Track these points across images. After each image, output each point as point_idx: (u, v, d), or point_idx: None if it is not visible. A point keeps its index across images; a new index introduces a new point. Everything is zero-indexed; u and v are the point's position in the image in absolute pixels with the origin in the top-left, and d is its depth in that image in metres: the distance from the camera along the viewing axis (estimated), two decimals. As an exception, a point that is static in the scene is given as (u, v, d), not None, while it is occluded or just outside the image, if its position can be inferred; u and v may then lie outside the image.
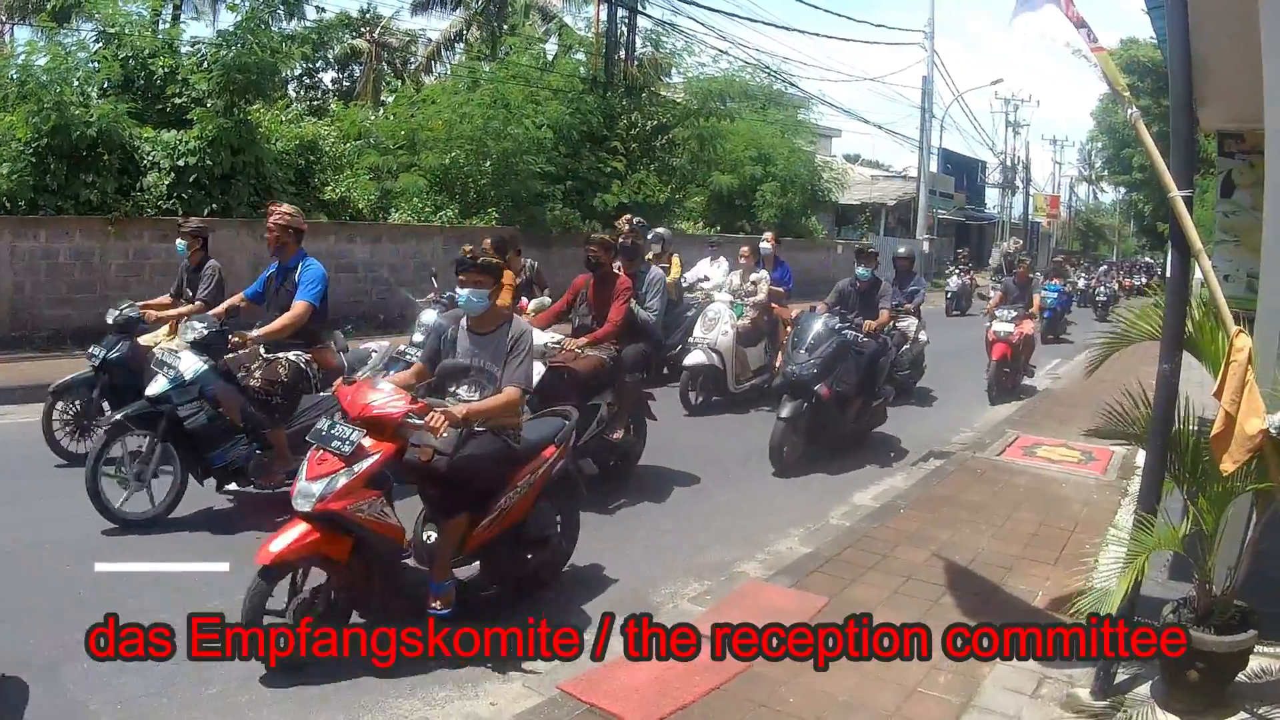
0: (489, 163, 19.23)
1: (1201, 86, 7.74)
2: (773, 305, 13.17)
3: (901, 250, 14.87)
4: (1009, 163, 62.44)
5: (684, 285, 14.26)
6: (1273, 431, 4.11)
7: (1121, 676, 4.80)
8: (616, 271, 8.80)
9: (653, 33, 24.81)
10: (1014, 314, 14.69)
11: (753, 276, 13.29)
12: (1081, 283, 35.03)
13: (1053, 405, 14.06)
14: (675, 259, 14.21)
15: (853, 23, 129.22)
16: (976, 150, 67.68)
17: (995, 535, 7.61)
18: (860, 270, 11.16)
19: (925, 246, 32.37)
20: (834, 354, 9.61)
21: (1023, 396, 14.81)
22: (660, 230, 14.86)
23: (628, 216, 12.66)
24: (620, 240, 9.34)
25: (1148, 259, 65.42)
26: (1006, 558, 7.06)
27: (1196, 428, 4.90)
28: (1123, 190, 62.00)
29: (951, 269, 30.84)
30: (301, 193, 16.99)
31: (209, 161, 15.01)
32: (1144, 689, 4.77)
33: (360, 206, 17.96)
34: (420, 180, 18.69)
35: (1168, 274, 4.69)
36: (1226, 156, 9.64)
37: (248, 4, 15.89)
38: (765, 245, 13.85)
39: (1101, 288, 32.41)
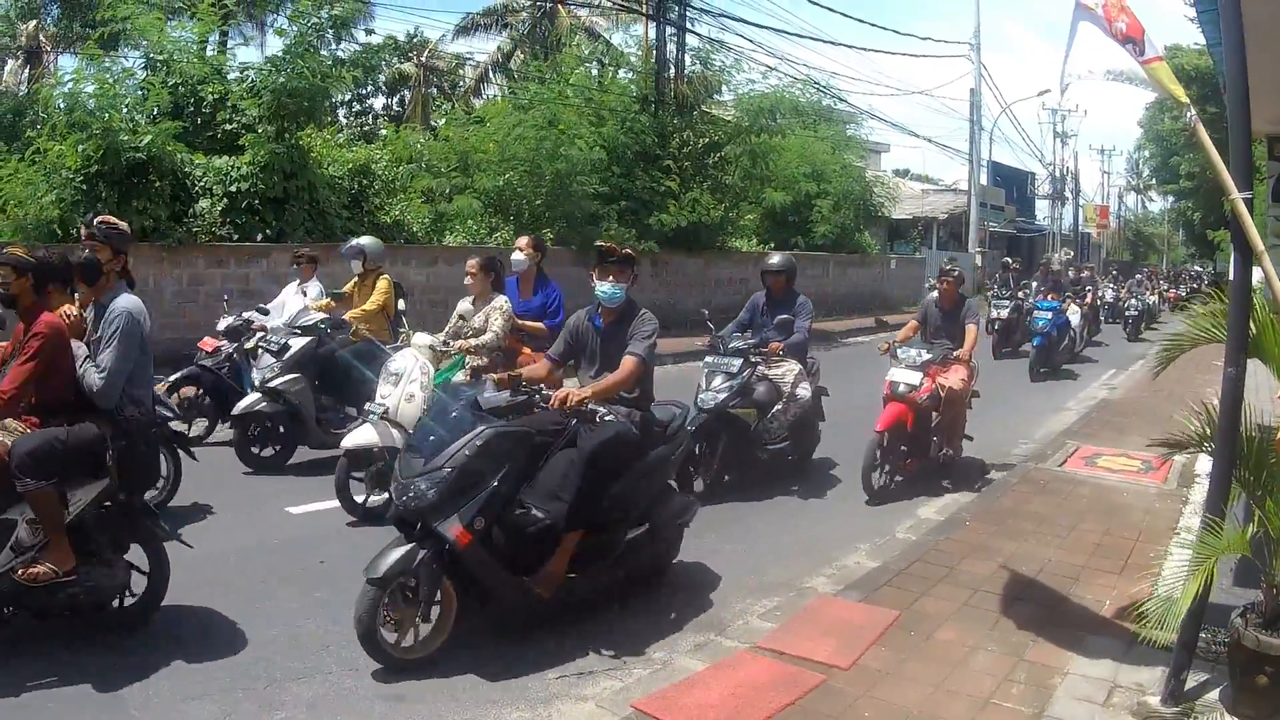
0: (543, 184, 19.33)
1: (1251, 90, 7.78)
2: (522, 349, 8.86)
3: (773, 261, 10.17)
4: (1058, 173, 61.91)
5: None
6: (1337, 432, 4.18)
7: (1192, 683, 4.84)
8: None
9: (702, 50, 24.82)
10: (926, 356, 9.66)
11: (488, 306, 8.72)
12: (1109, 295, 30.44)
13: (1111, 415, 14.01)
14: (382, 282, 10.66)
15: (899, 36, 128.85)
16: (1025, 162, 67.53)
17: (1060, 545, 7.65)
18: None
19: (978, 259, 32.07)
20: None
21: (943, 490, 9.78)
22: (361, 241, 11.12)
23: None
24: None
25: (1196, 267, 64.67)
26: (1072, 568, 7.10)
27: (1259, 433, 4.96)
28: (1171, 199, 61.38)
29: (996, 288, 24.27)
30: (355, 217, 17.13)
31: (261, 186, 15.15)
32: (1214, 695, 4.81)
33: (415, 230, 18.10)
34: (474, 202, 18.86)
35: (1230, 277, 4.74)
36: (1277, 160, 9.63)
37: (296, 29, 16.03)
38: (518, 256, 9.29)
39: (1134, 300, 28.59)
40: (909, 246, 41.52)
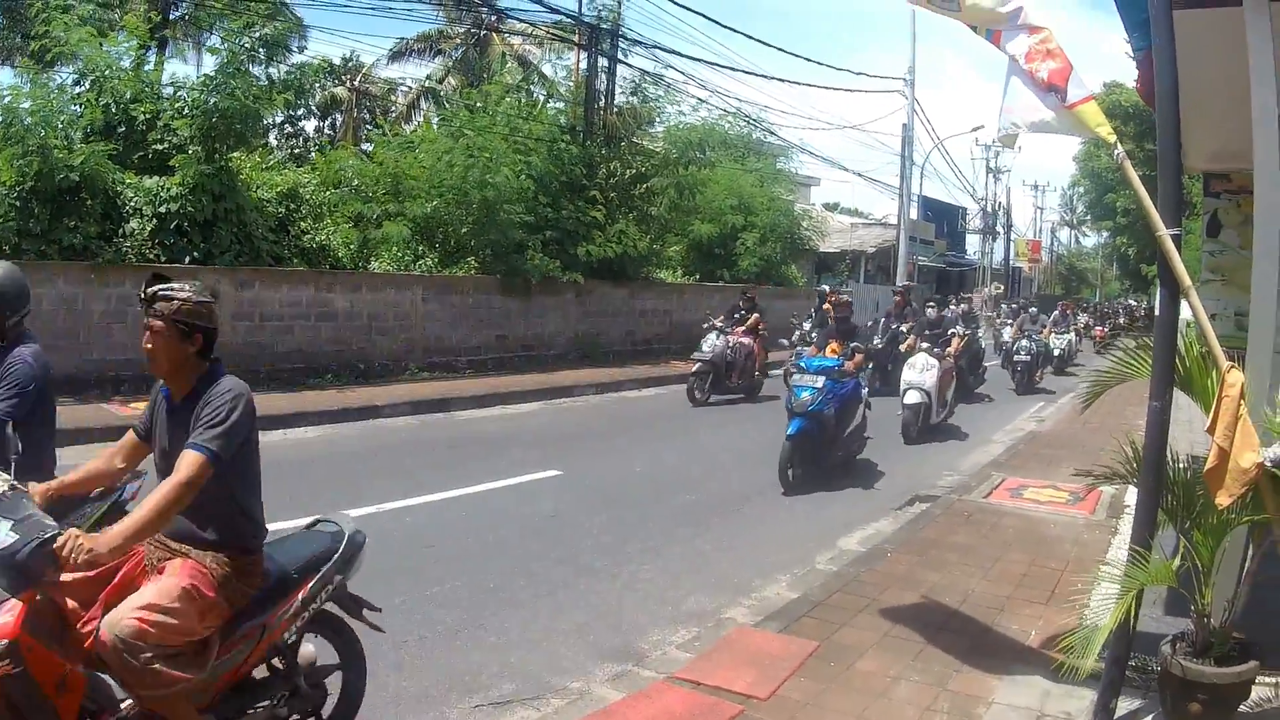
0: (470, 211, 19.49)
1: (1187, 128, 7.97)
2: None
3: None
4: (990, 208, 63.45)
5: None
6: (1268, 465, 4.23)
7: (1122, 710, 4.89)
8: None
9: (633, 82, 25.31)
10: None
11: None
12: (1006, 334, 26.19)
13: (1039, 447, 14.21)
14: None
15: (835, 71, 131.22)
16: (957, 196, 68.96)
17: (985, 577, 7.70)
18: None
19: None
20: None
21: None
22: None
23: None
24: None
25: (1131, 301, 66.48)
26: (997, 599, 7.14)
27: (1186, 465, 5.01)
28: (1105, 234, 63.17)
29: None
30: (282, 241, 17.14)
31: (191, 208, 15.08)
32: None
33: (340, 255, 18.10)
34: (404, 229, 18.88)
35: (1157, 312, 4.80)
36: (1213, 196, 9.86)
37: (228, 48, 15.94)
38: None
39: (1025, 341, 22.95)
40: (836, 279, 42.19)
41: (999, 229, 65.61)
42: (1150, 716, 4.90)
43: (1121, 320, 50.85)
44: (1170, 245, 4.60)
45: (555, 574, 7.56)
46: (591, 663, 5.97)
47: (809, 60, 50.30)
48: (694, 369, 17.48)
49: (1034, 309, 26.37)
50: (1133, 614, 4.48)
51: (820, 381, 11.05)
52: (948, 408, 15.72)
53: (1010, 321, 27.96)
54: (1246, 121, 4.79)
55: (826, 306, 16.27)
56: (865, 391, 12.25)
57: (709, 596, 7.31)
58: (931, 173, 69.94)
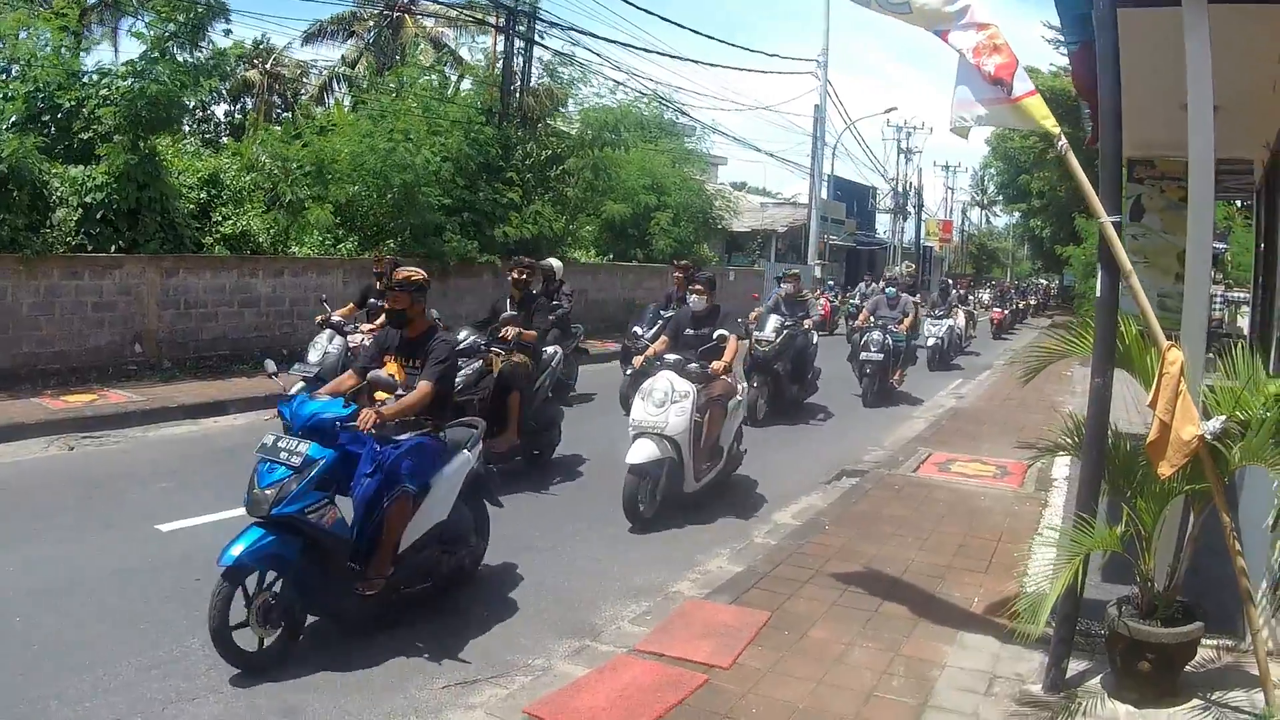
0: (390, 194, 19.59)
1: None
2: None
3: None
4: (901, 188, 64.75)
5: None
6: (1208, 437, 4.65)
7: (1071, 671, 5.31)
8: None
9: (549, 63, 25.70)
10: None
11: None
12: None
13: (961, 423, 14.80)
14: None
15: (748, 53, 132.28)
16: (868, 176, 70.39)
17: (923, 548, 8.12)
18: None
19: (817, 271, 33.38)
20: None
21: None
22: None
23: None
24: None
25: (1041, 280, 68.41)
26: (937, 568, 7.57)
27: (1127, 438, 5.43)
28: (1017, 215, 64.75)
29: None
30: (204, 227, 17.04)
31: (116, 197, 14.93)
32: (1094, 682, 5.31)
33: (261, 240, 17.99)
34: (329, 214, 18.92)
35: (1098, 294, 5.18)
36: (1136, 182, 10.38)
37: (153, 33, 15.68)
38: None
39: (876, 334, 17.01)
40: (748, 259, 42.78)
41: (910, 209, 67.05)
42: (1098, 676, 5.34)
43: (1032, 300, 52.01)
44: (1112, 231, 4.99)
45: (500, 552, 7.69)
46: (549, 640, 6.22)
47: (723, 42, 50.97)
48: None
49: (891, 289, 19.08)
50: (1081, 578, 4.86)
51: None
52: (723, 458, 9.75)
53: (857, 303, 26.37)
54: (1171, 112, 5.19)
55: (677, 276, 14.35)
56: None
57: (654, 572, 7.61)
58: (843, 153, 71.50)
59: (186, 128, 24.95)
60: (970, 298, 34.14)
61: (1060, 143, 5.10)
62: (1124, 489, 5.24)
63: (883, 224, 67.92)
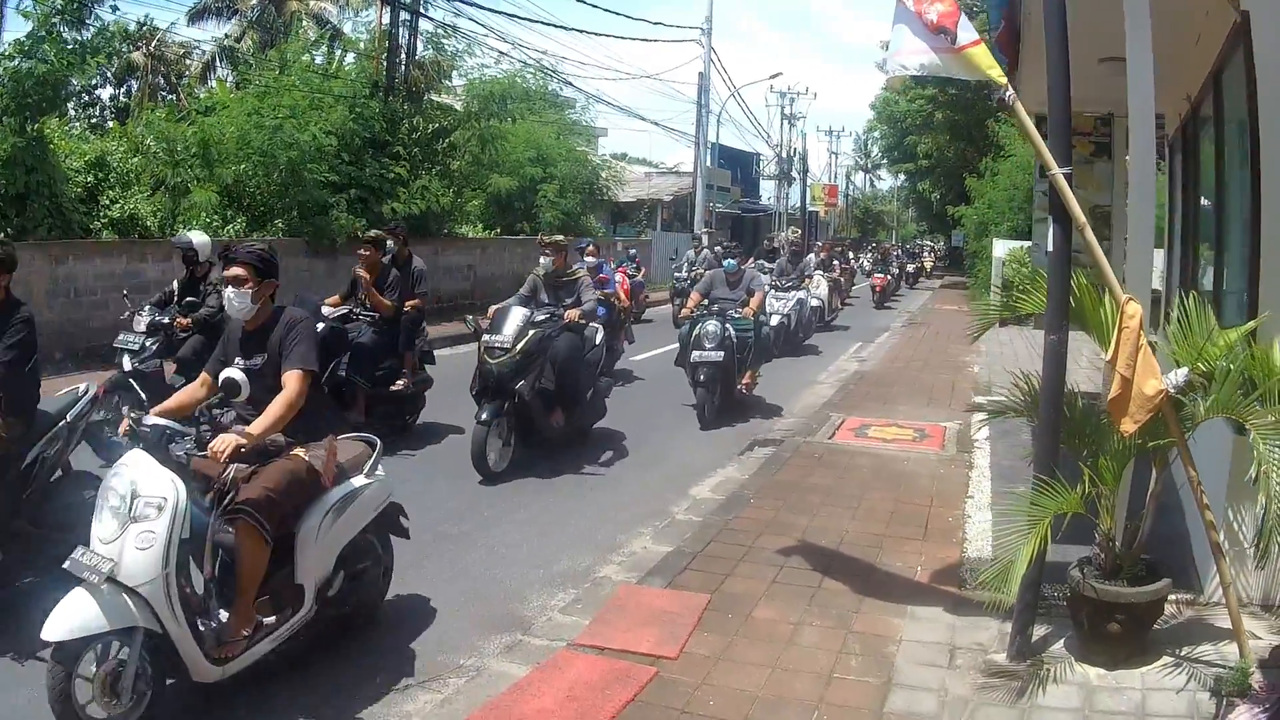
0: (276, 173, 19.40)
1: (1026, 72, 8.46)
2: None
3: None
4: (785, 154, 65.37)
5: None
6: (1172, 391, 4.58)
7: (1034, 637, 5.23)
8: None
9: (434, 35, 25.52)
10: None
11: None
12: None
13: (870, 386, 14.85)
14: None
15: (631, 21, 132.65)
16: (752, 143, 70.99)
17: (854, 517, 8.05)
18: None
19: (704, 240, 33.45)
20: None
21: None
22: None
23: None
24: None
25: (927, 241, 69.89)
26: (874, 537, 7.50)
27: (1070, 395, 5.37)
28: (903, 177, 65.93)
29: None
30: (92, 212, 16.74)
31: (4, 181, 14.51)
32: (1059, 646, 5.26)
33: (149, 224, 17.68)
34: (213, 194, 18.65)
35: (1050, 249, 5.08)
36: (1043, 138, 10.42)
37: (39, 10, 15.14)
38: None
39: (711, 325, 12.35)
40: (634, 229, 42.94)
41: (795, 174, 67.84)
42: (1061, 640, 5.30)
43: (926, 263, 52.32)
44: (1063, 183, 4.89)
45: (419, 543, 7.41)
46: (479, 636, 5.94)
47: (607, 10, 50.84)
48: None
49: (731, 261, 13.97)
50: (1047, 541, 4.77)
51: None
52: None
53: (684, 276, 23.19)
54: (1083, 67, 5.11)
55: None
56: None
57: (577, 555, 7.39)
58: (728, 120, 71.97)
59: (72, 110, 24.51)
60: (837, 263, 28.57)
61: (1009, 93, 4.98)
62: (1080, 448, 5.17)
63: (768, 190, 68.84)
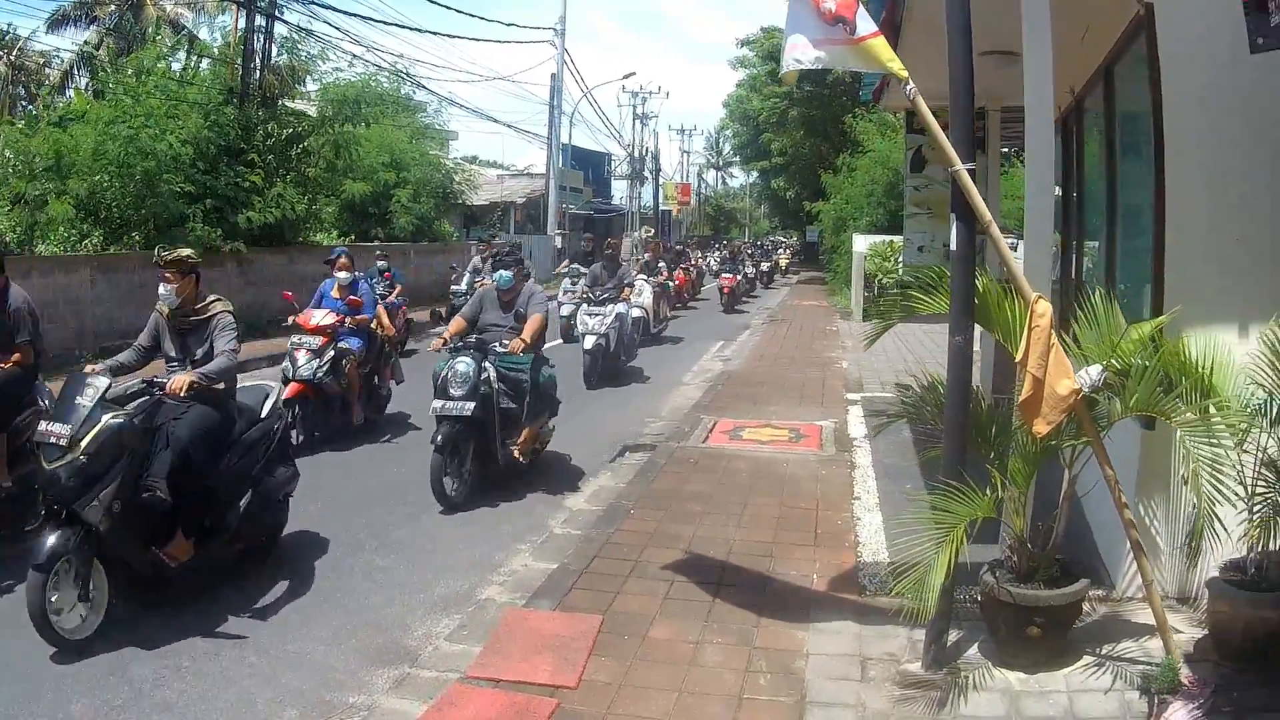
0: (132, 184, 18.93)
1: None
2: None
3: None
4: (637, 154, 65.88)
5: None
6: (1085, 390, 4.51)
7: (947, 643, 5.13)
8: None
9: (288, 40, 25.22)
10: None
11: None
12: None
13: (738, 386, 14.76)
14: None
15: (485, 23, 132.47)
16: (605, 144, 71.37)
17: (740, 524, 7.89)
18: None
19: (557, 241, 33.50)
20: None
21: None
22: None
23: None
24: None
25: (780, 237, 71.23)
26: (763, 545, 7.36)
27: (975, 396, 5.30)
28: (755, 175, 66.94)
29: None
30: None
31: None
32: (974, 651, 5.18)
33: (8, 240, 17.19)
34: (69, 207, 18.08)
35: (953, 246, 4.99)
36: (916, 133, 10.46)
37: None
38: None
39: (460, 390, 8.94)
40: (488, 232, 42.90)
41: (647, 174, 68.31)
42: (975, 645, 5.21)
43: (781, 260, 51.92)
44: (968, 180, 4.80)
45: (288, 569, 7.11)
46: (365, 670, 5.61)
47: (460, 12, 50.61)
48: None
49: (505, 275, 9.99)
50: (963, 547, 4.67)
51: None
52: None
53: (461, 288, 20.29)
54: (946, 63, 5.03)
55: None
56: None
57: (456, 577, 7.08)
58: (580, 121, 72.29)
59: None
60: (665, 265, 25.29)
61: (909, 87, 4.85)
62: (987, 450, 5.09)
63: (620, 190, 69.28)
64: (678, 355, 19.33)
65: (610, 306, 16.02)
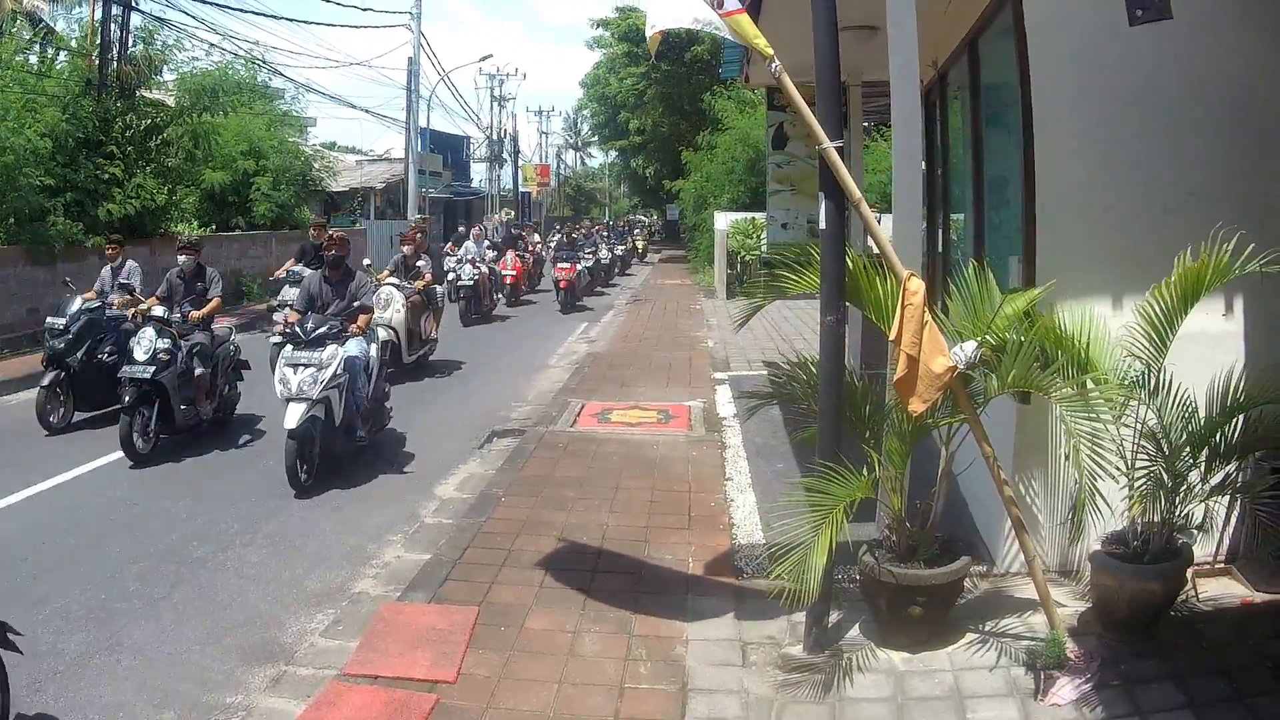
0: None
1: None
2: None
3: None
4: (496, 136, 65.37)
5: None
6: (961, 366, 4.56)
7: (828, 626, 5.17)
8: None
9: (144, 29, 24.92)
10: None
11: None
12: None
13: (604, 368, 14.71)
14: None
15: (341, 8, 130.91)
16: (463, 127, 70.63)
17: (613, 509, 7.86)
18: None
19: (490, 224, 33.19)
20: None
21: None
22: None
23: None
24: None
25: (640, 216, 71.58)
26: (637, 530, 7.33)
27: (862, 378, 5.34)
28: (615, 154, 67.08)
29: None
30: None
31: None
32: (855, 632, 5.22)
33: None
34: None
35: (822, 225, 4.99)
36: (777, 109, 10.51)
37: None
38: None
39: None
40: (349, 219, 42.41)
41: (506, 156, 67.91)
42: (856, 626, 5.26)
43: (638, 242, 50.96)
44: (836, 157, 4.81)
45: (164, 571, 6.87)
46: (240, 669, 5.47)
47: None
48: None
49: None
50: (842, 528, 4.68)
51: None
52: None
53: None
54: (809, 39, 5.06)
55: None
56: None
57: (328, 570, 6.94)
58: (438, 104, 71.51)
59: None
60: (426, 265, 16.09)
61: (774, 65, 4.83)
62: (862, 430, 5.12)
63: (479, 173, 68.77)
64: (544, 339, 19.13)
65: (317, 355, 9.10)
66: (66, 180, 20.41)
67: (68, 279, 13.34)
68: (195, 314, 10.73)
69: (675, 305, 24.29)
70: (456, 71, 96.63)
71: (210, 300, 11.09)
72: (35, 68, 22.50)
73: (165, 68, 26.03)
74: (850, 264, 5.04)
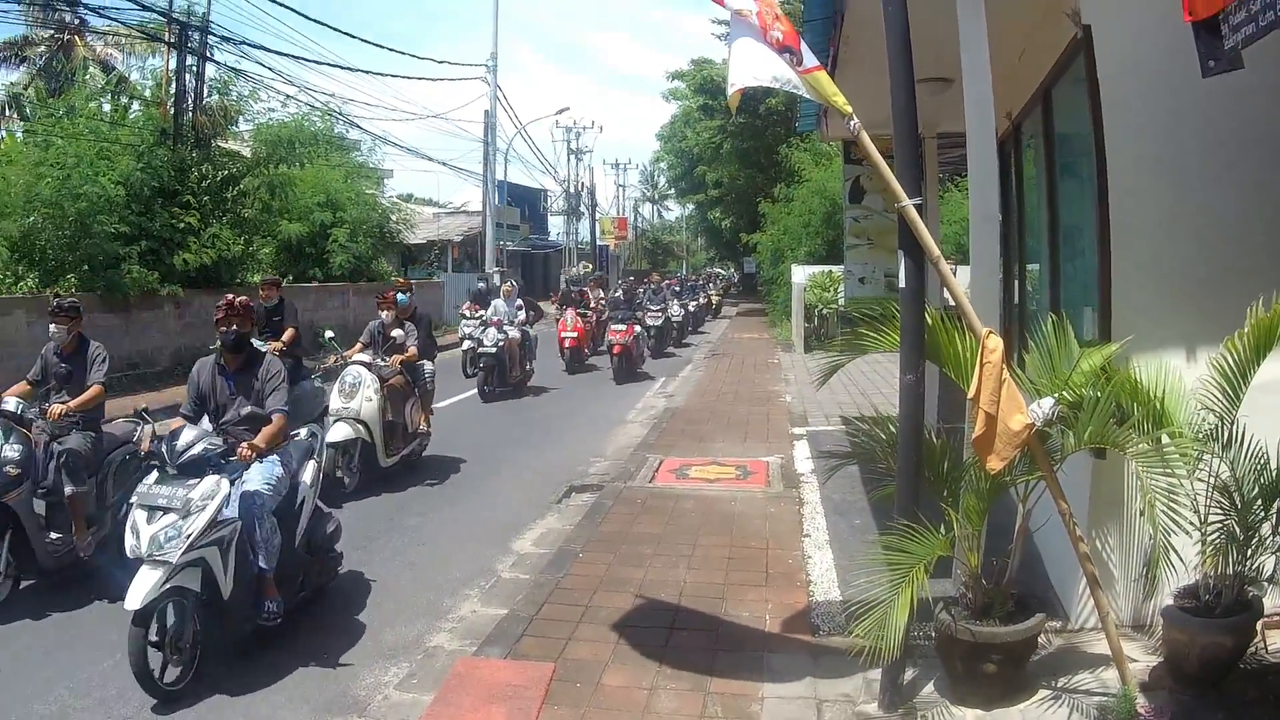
0: (66, 225, 18.92)
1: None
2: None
3: None
4: (573, 189, 66.22)
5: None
6: (1038, 424, 4.54)
7: (903, 683, 5.13)
8: None
9: (219, 80, 25.52)
10: None
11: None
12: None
13: (682, 424, 14.74)
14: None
15: (417, 60, 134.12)
16: (540, 179, 71.64)
17: (690, 566, 7.85)
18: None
19: (497, 279, 33.44)
20: None
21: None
22: None
23: None
24: None
25: (718, 269, 72.06)
26: (714, 587, 7.31)
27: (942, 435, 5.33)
28: (691, 207, 67.50)
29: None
30: None
31: None
32: (929, 689, 5.17)
33: None
34: (3, 250, 18.25)
35: (902, 284, 5.01)
36: (854, 163, 10.53)
37: None
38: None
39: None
40: (426, 271, 42.78)
41: (583, 209, 68.85)
42: (930, 683, 5.21)
43: (714, 295, 49.99)
44: (914, 215, 4.82)
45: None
46: (313, 720, 5.52)
47: (392, 50, 51.09)
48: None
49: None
50: (922, 586, 4.66)
51: None
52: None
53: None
54: (885, 91, 5.08)
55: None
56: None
57: (403, 623, 7.00)
58: (515, 157, 72.65)
59: None
60: (408, 333, 12.20)
61: (853, 123, 4.88)
62: (940, 488, 5.10)
63: (557, 226, 69.60)
64: (617, 399, 19.19)
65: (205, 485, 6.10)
66: (141, 228, 20.66)
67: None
68: (56, 409, 7.78)
69: (753, 359, 24.25)
70: (533, 124, 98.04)
71: (89, 388, 8.07)
72: (108, 116, 22.80)
73: (241, 118, 26.60)
74: (929, 321, 5.05)
